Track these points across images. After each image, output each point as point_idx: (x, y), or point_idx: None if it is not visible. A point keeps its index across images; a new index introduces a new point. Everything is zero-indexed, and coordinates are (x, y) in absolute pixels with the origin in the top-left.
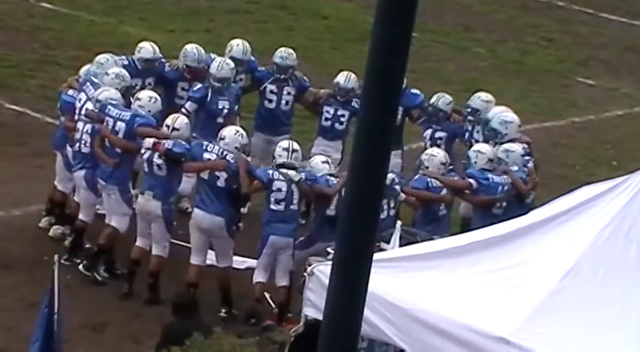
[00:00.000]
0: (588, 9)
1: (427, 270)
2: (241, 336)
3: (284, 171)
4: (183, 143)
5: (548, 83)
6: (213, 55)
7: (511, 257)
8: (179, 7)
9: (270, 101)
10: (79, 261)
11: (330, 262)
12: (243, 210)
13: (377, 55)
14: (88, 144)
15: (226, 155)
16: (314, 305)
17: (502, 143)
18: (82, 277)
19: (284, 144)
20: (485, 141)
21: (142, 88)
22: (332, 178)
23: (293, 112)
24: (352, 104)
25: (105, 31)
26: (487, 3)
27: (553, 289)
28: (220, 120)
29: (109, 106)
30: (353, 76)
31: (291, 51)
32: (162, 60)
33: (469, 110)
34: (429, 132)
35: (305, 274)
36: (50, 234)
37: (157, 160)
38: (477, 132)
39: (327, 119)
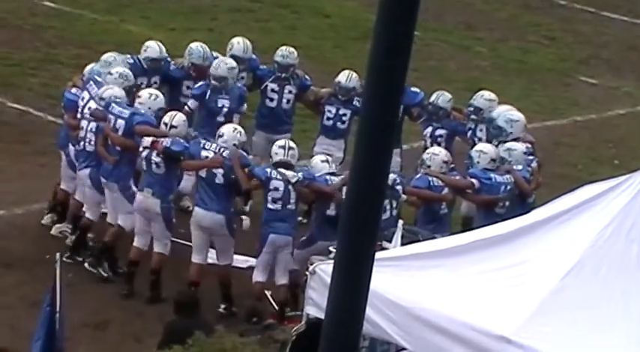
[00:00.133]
0: (590, 8)
1: (429, 269)
2: (243, 335)
3: (282, 170)
4: (182, 141)
5: (550, 82)
6: (215, 54)
7: (512, 256)
8: (181, 6)
9: (272, 100)
10: (81, 259)
11: (332, 261)
12: (246, 209)
13: (379, 54)
14: (92, 143)
15: (223, 152)
16: (316, 303)
17: (505, 142)
18: (83, 275)
19: (280, 142)
20: (489, 139)
21: (148, 87)
22: (332, 177)
23: (294, 111)
24: (354, 103)
25: (107, 30)
26: (489, 2)
27: (554, 288)
28: (220, 118)
29: (113, 104)
30: (354, 75)
31: (292, 49)
32: (168, 59)
33: (472, 109)
34: (429, 129)
35: (307, 273)
36: (52, 232)
37: (155, 158)
38: (480, 130)
39: (328, 118)
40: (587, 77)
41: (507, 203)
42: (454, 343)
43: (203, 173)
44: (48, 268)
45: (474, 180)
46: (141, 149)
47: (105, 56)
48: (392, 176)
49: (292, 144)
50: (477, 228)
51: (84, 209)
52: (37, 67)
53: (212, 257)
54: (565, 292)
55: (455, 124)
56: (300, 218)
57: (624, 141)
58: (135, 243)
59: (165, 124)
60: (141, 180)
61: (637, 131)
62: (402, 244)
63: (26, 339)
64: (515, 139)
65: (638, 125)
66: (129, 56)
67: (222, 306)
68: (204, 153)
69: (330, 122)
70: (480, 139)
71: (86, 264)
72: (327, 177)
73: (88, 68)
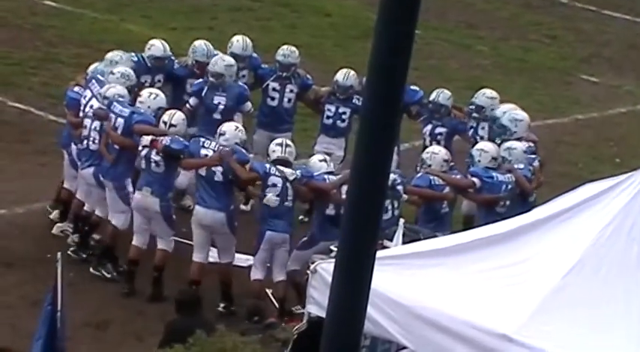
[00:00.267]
0: (591, 6)
1: (430, 268)
2: (244, 334)
3: (280, 168)
4: (181, 139)
5: (551, 81)
6: (218, 52)
7: (514, 254)
8: (182, 5)
9: (273, 99)
10: (85, 256)
11: (333, 260)
12: (246, 208)
13: (380, 53)
14: (96, 141)
15: (221, 150)
16: (317, 302)
17: (506, 141)
18: (85, 275)
19: (278, 140)
20: (492, 137)
21: (151, 86)
22: (330, 176)
23: (295, 110)
24: (353, 101)
25: (107, 29)
26: (490, 0)
27: (555, 286)
28: (217, 116)
29: (115, 102)
30: (352, 73)
31: (293, 49)
32: (172, 57)
33: (474, 107)
34: (428, 128)
35: (308, 272)
36: (53, 231)
37: (154, 157)
38: (482, 128)
39: (328, 117)
40: (589, 76)
41: (508, 202)
42: (455, 341)
43: (203, 171)
44: (49, 267)
45: (475, 179)
46: (140, 148)
47: (109, 55)
48: (392, 176)
49: (289, 142)
50: (478, 226)
51: (85, 207)
52: (37, 66)
53: (213, 256)
54: (566, 291)
55: (455, 123)
56: (301, 217)
57: (625, 139)
58: (134, 242)
59: (165, 123)
60: (139, 179)
61: (638, 130)
62: (403, 243)
63: (27, 338)
64: (518, 139)
65: (639, 124)
66: (133, 54)
67: (222, 305)
68: (203, 152)
69: (330, 121)
70: (481, 137)
71: (91, 269)
72: (325, 176)
73: (92, 67)
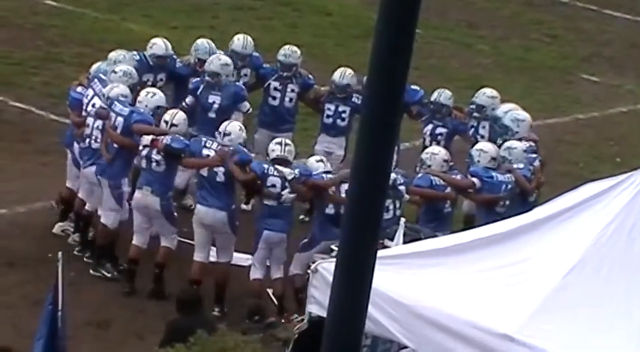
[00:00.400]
0: (592, 6)
1: (431, 267)
2: (245, 333)
3: (279, 167)
4: (182, 138)
5: (552, 80)
6: (220, 51)
7: (514, 254)
8: (183, 4)
9: (274, 98)
10: (88, 254)
11: (334, 259)
12: (247, 207)
13: (380, 52)
14: (98, 140)
15: (220, 150)
16: (318, 302)
17: (507, 141)
18: (85, 274)
19: (277, 139)
20: (494, 137)
21: (154, 84)
22: (328, 175)
23: (297, 110)
24: (353, 100)
25: (108, 28)
26: (491, 0)
27: (556, 286)
28: (212, 115)
29: (115, 102)
30: (348, 72)
31: (295, 48)
32: (174, 56)
33: (474, 107)
34: (429, 127)
35: (309, 271)
36: (54, 230)
37: (155, 156)
38: (483, 127)
39: (328, 116)
40: (589, 75)
41: (508, 202)
42: (456, 341)
43: (204, 172)
44: (50, 267)
45: (474, 179)
46: (141, 147)
47: (112, 54)
48: (393, 175)
49: (289, 141)
50: (479, 226)
51: (87, 207)
52: (38, 66)
53: (213, 255)
54: (567, 290)
55: (456, 123)
56: (302, 216)
57: (626, 139)
58: (134, 242)
59: (166, 122)
60: (139, 178)
61: (639, 129)
62: (404, 242)
63: (28, 338)
64: (519, 138)
65: (639, 123)
66: (135, 53)
67: (217, 309)
68: (205, 152)
69: (330, 120)
70: (482, 137)
71: (91, 270)
72: (324, 175)
73: (94, 66)
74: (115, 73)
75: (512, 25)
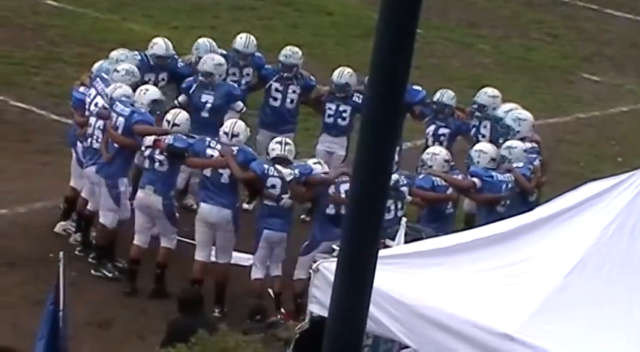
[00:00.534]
0: (593, 5)
1: (432, 267)
2: (246, 333)
3: (279, 167)
4: (184, 137)
5: (553, 79)
6: (221, 51)
7: (515, 253)
8: (183, 4)
9: (275, 99)
10: (91, 255)
11: (335, 259)
12: (249, 207)
13: (381, 52)
14: (99, 140)
15: (223, 148)
16: (319, 301)
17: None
18: (87, 274)
19: (277, 138)
20: (495, 137)
21: (155, 84)
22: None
23: (298, 110)
24: (354, 99)
25: (109, 28)
26: None
27: (557, 286)
28: (205, 114)
29: (117, 102)
30: (347, 71)
31: (296, 49)
32: (175, 56)
33: (476, 106)
34: (432, 128)
35: (310, 271)
36: (56, 229)
37: (158, 156)
38: (484, 127)
39: (329, 115)
40: (590, 74)
41: (508, 201)
42: (457, 340)
43: (208, 172)
44: (51, 267)
45: (475, 179)
46: (143, 148)
47: (114, 54)
48: (395, 176)
49: (289, 140)
50: (480, 226)
51: (88, 207)
52: (39, 66)
53: (213, 255)
54: (568, 290)
55: (459, 124)
56: (303, 216)
57: (627, 138)
58: (135, 241)
59: (168, 122)
60: (142, 178)
61: None
62: (406, 242)
63: (29, 338)
64: (522, 139)
65: None
66: (137, 53)
67: (217, 310)
68: (209, 152)
69: (331, 119)
70: (483, 136)
71: (92, 271)
72: (322, 175)
73: (96, 65)
74: (118, 71)
75: (513, 24)
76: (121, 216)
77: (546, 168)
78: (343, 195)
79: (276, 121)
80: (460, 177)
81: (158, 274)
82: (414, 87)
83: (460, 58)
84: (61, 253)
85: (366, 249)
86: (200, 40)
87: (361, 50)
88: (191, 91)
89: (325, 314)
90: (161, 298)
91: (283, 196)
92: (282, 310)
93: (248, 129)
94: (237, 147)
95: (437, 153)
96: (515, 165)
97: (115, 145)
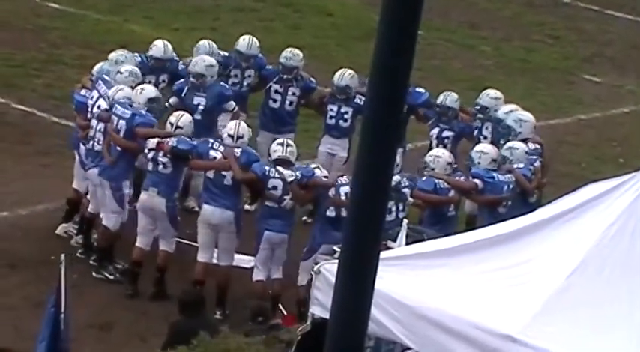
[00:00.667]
0: (594, 6)
1: (434, 268)
2: (248, 335)
3: (280, 169)
4: (188, 139)
5: (554, 81)
6: (222, 52)
7: (517, 255)
8: (184, 6)
9: (275, 101)
10: (93, 258)
11: (337, 260)
12: (250, 208)
13: (383, 53)
14: (100, 142)
15: (225, 149)
16: (321, 303)
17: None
18: (88, 276)
19: (279, 140)
20: (497, 138)
21: (156, 86)
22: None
23: (297, 112)
24: (355, 101)
25: (110, 30)
26: (492, 0)
27: (559, 287)
28: (197, 116)
29: (116, 105)
30: (348, 73)
31: (297, 52)
32: (175, 58)
33: (478, 108)
34: (436, 131)
35: (312, 272)
36: (57, 232)
37: (162, 158)
38: (486, 128)
39: (331, 117)
40: (591, 76)
41: (509, 202)
42: (459, 342)
43: (211, 174)
44: (52, 269)
45: (477, 181)
46: (146, 150)
47: (113, 55)
48: (397, 177)
49: (291, 141)
50: (481, 227)
51: (89, 209)
52: (40, 68)
53: (214, 257)
54: (570, 291)
55: (463, 126)
56: (304, 217)
57: (628, 139)
58: (137, 243)
59: (172, 124)
60: (145, 180)
61: None
62: (407, 243)
63: (30, 340)
64: (524, 140)
65: None
66: (137, 55)
67: (218, 312)
68: (212, 154)
69: (333, 121)
70: (485, 138)
71: (94, 273)
72: (323, 178)
73: (97, 67)
74: (121, 73)
75: (514, 26)
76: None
77: (547, 170)
78: (343, 198)
79: (275, 123)
80: (462, 179)
81: (158, 278)
82: (417, 89)
83: (461, 59)
84: (63, 255)
85: (367, 251)
86: (200, 42)
87: (362, 51)
88: (183, 94)
89: (327, 315)
90: (162, 300)
91: (284, 198)
92: (284, 311)
93: (250, 129)
94: (240, 149)
95: (439, 156)
96: (515, 165)
97: (118, 148)
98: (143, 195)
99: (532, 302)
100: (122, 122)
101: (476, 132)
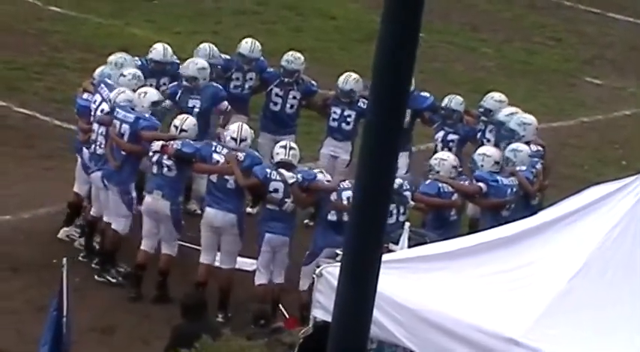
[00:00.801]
0: (595, 8)
1: (436, 271)
2: (250, 338)
3: (282, 171)
4: (192, 142)
5: (555, 83)
6: (224, 55)
7: (519, 258)
8: (186, 9)
9: (276, 104)
10: (95, 261)
11: (339, 263)
12: (252, 211)
13: (385, 48)
14: (102, 146)
15: (227, 154)
16: (323, 306)
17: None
18: (90, 280)
19: (282, 142)
20: (498, 141)
21: (157, 88)
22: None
23: (298, 114)
24: (359, 104)
25: (112, 34)
26: (493, 2)
27: (562, 290)
28: None
29: (117, 108)
30: (352, 77)
31: (298, 55)
32: (176, 61)
33: (482, 110)
34: (441, 134)
35: (314, 276)
36: (59, 235)
37: (166, 161)
38: (490, 131)
39: (334, 119)
40: (593, 78)
41: (512, 205)
42: (462, 345)
43: (214, 178)
44: (54, 272)
45: (481, 184)
46: (151, 153)
47: (112, 58)
48: (398, 180)
49: (294, 144)
50: (484, 230)
51: (92, 212)
52: (42, 71)
53: (217, 260)
54: (572, 294)
55: (468, 129)
56: (306, 221)
57: (630, 142)
58: (142, 246)
59: (176, 127)
60: (148, 183)
61: None
62: (409, 246)
63: (31, 344)
64: (527, 142)
65: None
66: (137, 58)
67: (221, 315)
68: (215, 156)
69: (336, 123)
70: (488, 141)
71: (96, 276)
72: (325, 183)
73: (98, 71)
74: (124, 76)
75: (515, 28)
76: None
77: (549, 172)
78: (345, 202)
79: (276, 125)
80: (467, 182)
81: (160, 282)
82: (422, 93)
83: (463, 62)
84: (65, 259)
85: (369, 254)
86: (201, 45)
87: (363, 54)
88: (177, 97)
89: (329, 319)
90: (165, 303)
91: (286, 200)
92: (286, 314)
93: (252, 131)
94: (244, 153)
95: (445, 159)
96: (518, 168)
97: (122, 152)
98: (147, 198)
99: (534, 305)
100: (125, 126)
101: (479, 134)
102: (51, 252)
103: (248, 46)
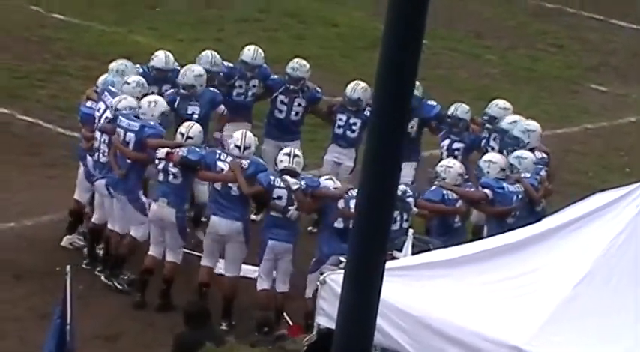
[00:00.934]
0: (598, 15)
1: (440, 278)
2: (254, 345)
3: (286, 178)
4: (197, 150)
5: (559, 90)
6: (227, 63)
7: (524, 264)
8: (188, 17)
9: (281, 111)
10: (99, 268)
11: (342, 271)
12: (256, 218)
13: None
14: (106, 154)
15: (231, 161)
16: (327, 314)
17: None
18: (94, 287)
19: (285, 150)
20: (502, 148)
21: (159, 96)
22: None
23: (303, 121)
24: (365, 113)
25: (115, 41)
26: (497, 10)
27: (566, 297)
28: None
29: (120, 116)
30: (360, 86)
31: (303, 62)
32: (178, 68)
33: (486, 118)
34: (446, 142)
35: (317, 283)
36: (62, 243)
37: (172, 169)
38: (494, 139)
39: (339, 126)
40: (597, 85)
41: (517, 212)
42: None
43: (218, 185)
44: (57, 280)
45: (487, 191)
46: (157, 161)
47: (114, 65)
48: (402, 187)
49: (298, 151)
50: (489, 237)
51: (94, 219)
52: (45, 79)
53: (221, 267)
54: (577, 301)
55: (473, 138)
56: (310, 227)
57: (635, 148)
58: (150, 252)
59: (182, 134)
60: (151, 190)
61: None
62: (413, 253)
63: (35, 351)
64: (532, 149)
65: None
66: (138, 66)
67: (224, 323)
68: (220, 165)
69: (341, 130)
70: (492, 148)
71: (103, 277)
72: (330, 189)
73: (101, 79)
74: (129, 83)
75: (519, 35)
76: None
77: (553, 178)
78: (353, 210)
79: (280, 131)
80: (472, 190)
81: (164, 290)
82: (429, 102)
83: (467, 69)
84: (68, 266)
85: (373, 261)
86: (203, 53)
87: (367, 61)
88: (175, 105)
89: (333, 326)
90: (169, 311)
91: (289, 208)
92: (289, 322)
93: (256, 138)
94: (247, 161)
95: (451, 166)
96: (522, 175)
97: (128, 160)
98: (153, 206)
99: (539, 312)
100: (130, 134)
101: (483, 142)
102: (54, 260)
103: (251, 53)
